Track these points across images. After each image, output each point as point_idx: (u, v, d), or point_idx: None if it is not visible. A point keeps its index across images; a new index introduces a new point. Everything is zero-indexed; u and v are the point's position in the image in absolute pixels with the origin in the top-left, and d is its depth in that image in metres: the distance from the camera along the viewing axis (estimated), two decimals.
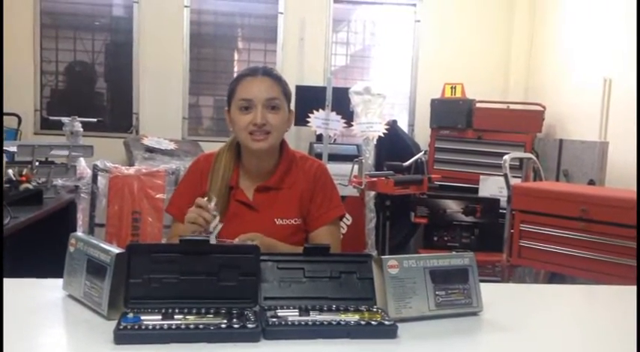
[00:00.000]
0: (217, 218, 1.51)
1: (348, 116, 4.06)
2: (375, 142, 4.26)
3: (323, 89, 3.94)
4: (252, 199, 1.71)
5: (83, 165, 3.63)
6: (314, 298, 1.24)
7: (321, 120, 3.75)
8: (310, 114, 3.74)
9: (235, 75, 1.79)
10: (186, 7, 5.12)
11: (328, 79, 3.98)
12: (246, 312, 1.16)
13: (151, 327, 1.07)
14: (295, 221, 1.70)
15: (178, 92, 5.15)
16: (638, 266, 2.30)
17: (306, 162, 1.80)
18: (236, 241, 1.48)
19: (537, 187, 3.04)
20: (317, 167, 1.79)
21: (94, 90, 5.32)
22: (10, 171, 2.96)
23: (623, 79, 3.74)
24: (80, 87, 5.30)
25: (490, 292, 1.36)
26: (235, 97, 1.68)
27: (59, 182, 3.34)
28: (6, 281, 1.27)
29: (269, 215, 1.68)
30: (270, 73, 1.71)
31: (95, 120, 4.44)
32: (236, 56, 5.48)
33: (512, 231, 2.98)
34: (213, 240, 1.44)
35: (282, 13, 5.19)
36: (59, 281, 1.36)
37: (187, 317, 1.12)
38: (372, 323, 1.15)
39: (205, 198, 1.55)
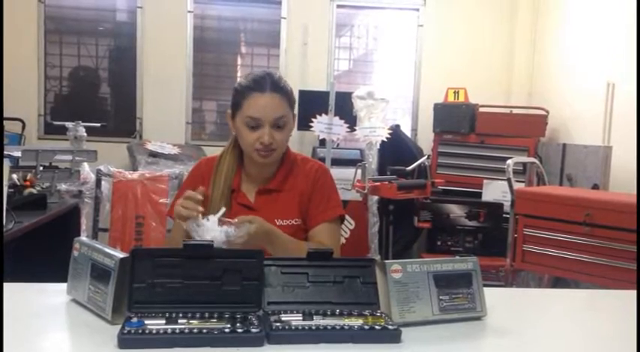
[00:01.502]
0: (223, 210, 1.50)
1: (351, 121, 4.06)
2: (378, 147, 4.26)
3: (326, 94, 3.95)
4: (253, 201, 1.72)
5: (87, 170, 3.63)
6: (318, 303, 1.24)
7: (324, 125, 3.75)
8: (313, 119, 3.74)
9: (241, 81, 1.71)
10: (189, 12, 5.14)
11: (331, 83, 3.98)
12: (249, 317, 1.16)
13: (154, 332, 1.07)
14: (296, 221, 1.71)
15: (181, 97, 5.17)
16: (638, 270, 2.30)
17: (307, 163, 1.80)
18: (235, 221, 1.45)
19: (541, 192, 3.03)
20: (317, 168, 1.79)
21: (97, 95, 5.34)
22: (15, 176, 2.97)
23: (627, 83, 3.73)
24: (84, 92, 5.31)
25: (494, 296, 1.35)
26: (242, 112, 1.65)
27: (63, 187, 3.35)
28: (10, 285, 1.28)
29: (270, 216, 1.68)
30: (277, 88, 1.66)
31: (99, 125, 4.45)
32: (239, 61, 5.49)
33: (515, 235, 2.97)
34: (215, 222, 1.44)
35: (284, 18, 5.20)
36: (63, 286, 1.36)
37: (191, 321, 1.13)
38: (376, 327, 1.15)
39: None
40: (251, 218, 1.50)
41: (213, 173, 1.73)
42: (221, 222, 1.44)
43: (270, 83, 1.66)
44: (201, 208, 1.47)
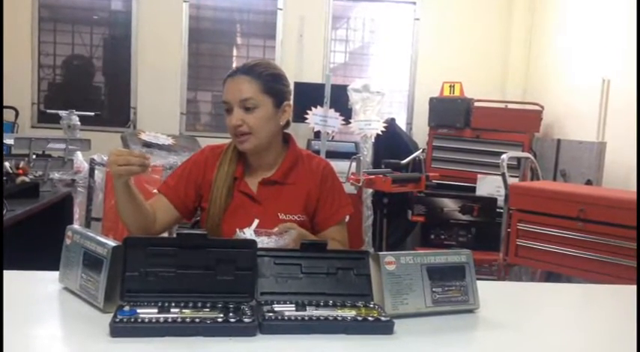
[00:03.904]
0: (256, 221, 1.55)
1: (347, 113, 4.05)
2: (373, 140, 4.25)
3: (321, 86, 3.93)
4: (255, 192, 1.72)
5: (80, 159, 3.62)
6: (311, 294, 1.23)
7: (320, 117, 3.74)
8: (308, 111, 3.73)
9: None
10: (185, 1, 5.11)
11: (327, 76, 3.97)
12: (242, 307, 1.15)
13: (147, 320, 1.07)
14: (299, 217, 1.70)
15: (176, 87, 5.14)
16: (638, 266, 2.31)
17: (312, 160, 1.80)
18: (275, 230, 1.51)
19: (535, 187, 3.04)
20: (324, 166, 1.79)
21: (91, 84, 5.31)
22: (7, 164, 2.95)
23: (622, 80, 3.74)
24: (78, 80, 5.28)
25: (487, 290, 1.36)
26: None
27: (56, 175, 3.33)
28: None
29: (273, 209, 1.68)
30: (248, 71, 1.65)
31: (93, 114, 4.43)
32: (235, 52, 5.47)
33: (509, 230, 2.98)
34: (251, 233, 1.47)
35: (281, 9, 5.18)
36: (55, 274, 1.36)
37: (184, 310, 1.12)
38: (369, 319, 1.15)
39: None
40: (289, 226, 1.55)
41: (221, 160, 1.73)
42: (257, 233, 1.46)
43: (242, 68, 1.67)
44: (135, 159, 1.47)
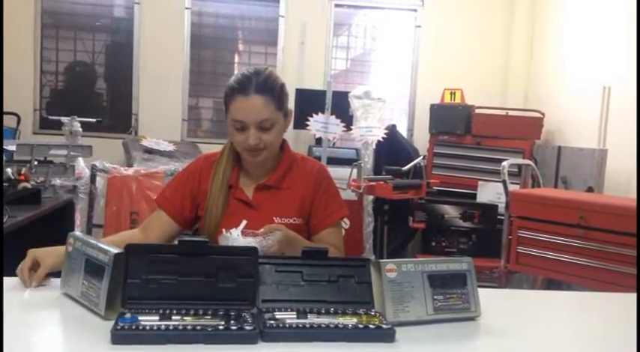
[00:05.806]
0: (244, 222, 1.53)
1: (348, 120, 4.06)
2: (374, 146, 4.26)
3: (323, 93, 3.95)
4: (251, 198, 1.72)
5: (82, 165, 3.62)
6: (312, 301, 1.24)
7: (321, 124, 3.75)
8: (310, 118, 3.74)
9: (229, 82, 1.67)
10: (187, 9, 5.12)
11: (328, 82, 3.98)
12: (243, 314, 1.15)
13: (148, 328, 1.07)
14: (295, 220, 1.70)
15: (178, 94, 5.15)
16: (638, 273, 2.30)
17: (307, 163, 1.80)
18: (261, 231, 1.50)
19: (536, 194, 3.04)
20: (318, 169, 1.79)
21: (93, 90, 5.31)
22: (9, 170, 2.96)
23: (623, 87, 3.74)
24: (80, 87, 5.29)
25: (488, 297, 1.36)
26: (229, 115, 1.64)
27: (57, 182, 3.34)
28: (3, 279, 1.27)
29: (268, 213, 1.68)
30: (261, 89, 1.61)
31: (94, 120, 4.44)
32: (236, 58, 5.48)
33: (510, 237, 2.97)
34: (237, 234, 1.46)
35: (282, 17, 5.19)
36: (57, 281, 1.36)
37: (185, 318, 1.12)
38: (370, 326, 1.15)
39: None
40: (276, 227, 1.54)
41: (214, 168, 1.73)
42: (244, 234, 1.46)
43: (254, 85, 1.61)
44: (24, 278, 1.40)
